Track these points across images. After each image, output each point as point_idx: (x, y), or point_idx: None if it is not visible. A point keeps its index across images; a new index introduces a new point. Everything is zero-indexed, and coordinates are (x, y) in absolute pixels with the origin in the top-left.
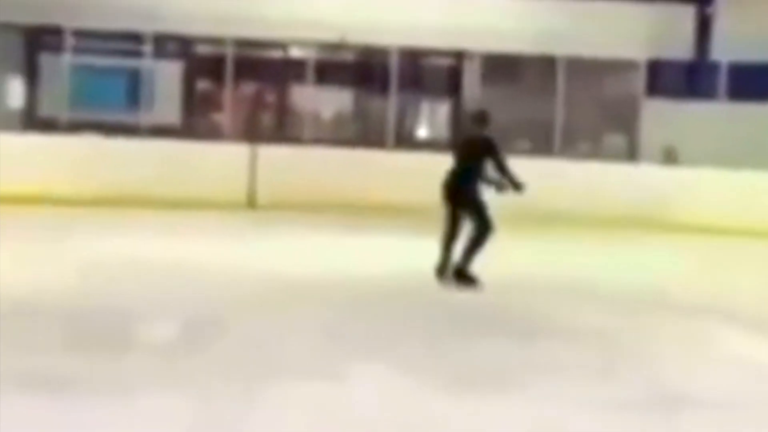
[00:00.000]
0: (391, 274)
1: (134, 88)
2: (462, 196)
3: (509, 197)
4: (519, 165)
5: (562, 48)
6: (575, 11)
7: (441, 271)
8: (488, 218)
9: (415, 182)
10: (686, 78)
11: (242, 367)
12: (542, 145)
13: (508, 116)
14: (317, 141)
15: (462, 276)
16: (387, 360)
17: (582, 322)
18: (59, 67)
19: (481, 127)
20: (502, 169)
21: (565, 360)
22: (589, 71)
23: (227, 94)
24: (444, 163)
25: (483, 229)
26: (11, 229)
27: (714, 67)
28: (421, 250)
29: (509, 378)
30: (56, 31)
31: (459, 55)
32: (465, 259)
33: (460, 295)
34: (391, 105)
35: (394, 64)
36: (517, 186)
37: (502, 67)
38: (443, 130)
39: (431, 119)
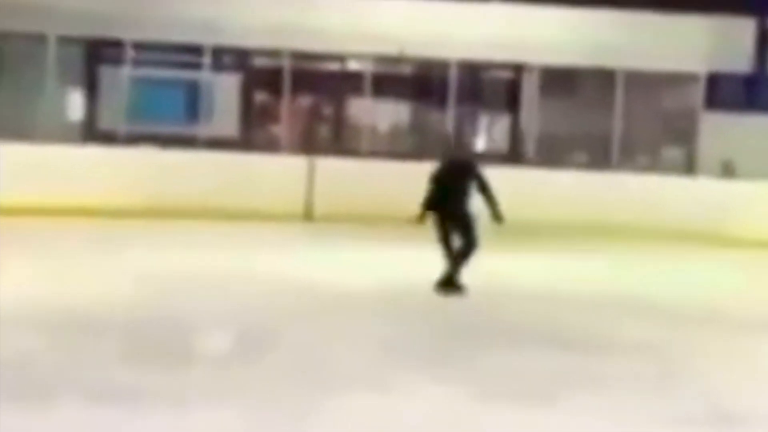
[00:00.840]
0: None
1: (193, 101)
2: (456, 214)
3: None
4: (576, 178)
5: (620, 61)
6: (634, 24)
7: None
8: (475, 237)
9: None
10: (745, 91)
11: (295, 379)
12: (600, 158)
13: (566, 129)
14: (374, 154)
15: (450, 284)
16: (436, 371)
17: (634, 336)
18: (119, 80)
19: (459, 150)
20: (485, 190)
21: (617, 373)
22: (647, 84)
23: (285, 107)
24: (502, 176)
25: (469, 247)
26: (70, 241)
27: None
28: (474, 263)
29: (560, 390)
30: (116, 44)
31: (518, 68)
32: (453, 269)
33: (513, 307)
34: (448, 118)
35: (452, 77)
36: (498, 217)
37: (561, 80)
38: (501, 143)
39: (489, 132)
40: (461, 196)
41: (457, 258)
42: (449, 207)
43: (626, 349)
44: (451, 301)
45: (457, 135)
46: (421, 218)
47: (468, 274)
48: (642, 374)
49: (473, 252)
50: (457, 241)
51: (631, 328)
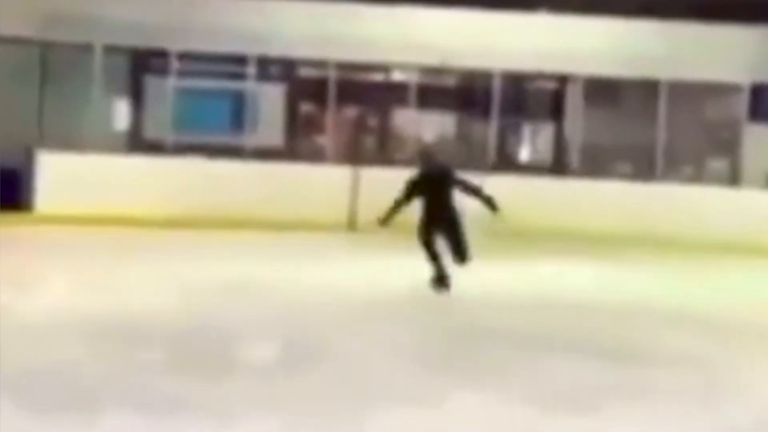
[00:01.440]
0: (491, 296)
1: (238, 111)
2: (444, 219)
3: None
4: (620, 189)
5: (664, 71)
6: (678, 34)
7: (446, 282)
8: (465, 238)
9: (516, 205)
10: None
11: (339, 390)
12: (644, 169)
13: (610, 139)
14: (419, 164)
15: (441, 281)
16: (478, 381)
17: (678, 347)
18: (164, 90)
19: (433, 160)
20: (473, 190)
21: (661, 384)
22: (691, 95)
23: (330, 117)
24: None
25: (461, 247)
26: (115, 250)
27: None
28: (517, 272)
29: (604, 400)
30: (162, 54)
31: (562, 79)
32: (439, 267)
33: (555, 318)
34: (492, 128)
35: (496, 87)
36: (495, 209)
37: (605, 91)
38: (545, 154)
39: (533, 143)
40: (447, 201)
41: (454, 258)
42: (437, 213)
43: (670, 360)
44: (494, 311)
45: (500, 146)
46: (386, 221)
47: (511, 282)
48: (686, 385)
49: (467, 251)
50: (442, 244)
51: (674, 339)
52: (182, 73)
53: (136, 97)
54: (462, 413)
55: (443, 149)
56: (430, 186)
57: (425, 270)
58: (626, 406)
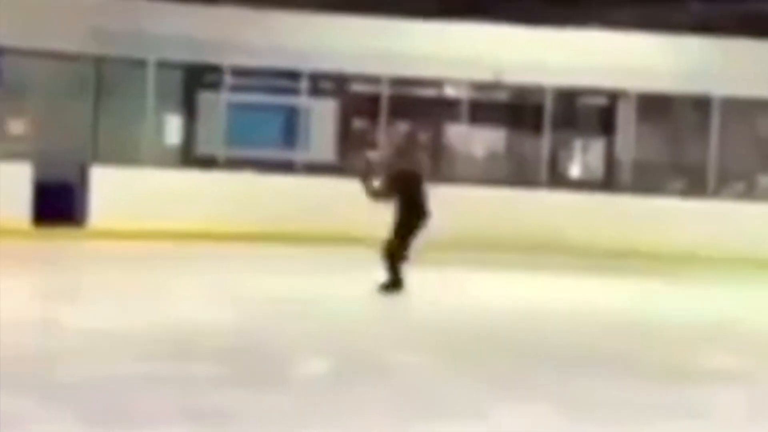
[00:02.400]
0: (536, 312)
1: (290, 126)
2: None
3: None
4: (671, 205)
5: (716, 87)
6: (730, 50)
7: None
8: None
9: (568, 221)
10: None
11: (388, 404)
12: (696, 186)
13: (662, 156)
14: (470, 180)
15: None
16: (532, 398)
17: (725, 364)
18: (217, 105)
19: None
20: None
21: (708, 402)
22: (743, 111)
23: (381, 132)
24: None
25: None
26: (167, 264)
27: None
28: (565, 288)
29: (656, 419)
30: (215, 69)
31: (613, 95)
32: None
33: (597, 335)
34: (544, 144)
35: (548, 103)
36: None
37: (657, 107)
38: (596, 170)
39: (584, 159)
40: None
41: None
42: (425, 208)
43: (717, 377)
44: (540, 326)
45: (551, 161)
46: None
47: (557, 297)
48: (730, 402)
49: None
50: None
51: (722, 356)
52: (235, 89)
53: (189, 112)
54: (508, 427)
55: (494, 165)
56: (414, 183)
57: (474, 284)
58: (671, 424)
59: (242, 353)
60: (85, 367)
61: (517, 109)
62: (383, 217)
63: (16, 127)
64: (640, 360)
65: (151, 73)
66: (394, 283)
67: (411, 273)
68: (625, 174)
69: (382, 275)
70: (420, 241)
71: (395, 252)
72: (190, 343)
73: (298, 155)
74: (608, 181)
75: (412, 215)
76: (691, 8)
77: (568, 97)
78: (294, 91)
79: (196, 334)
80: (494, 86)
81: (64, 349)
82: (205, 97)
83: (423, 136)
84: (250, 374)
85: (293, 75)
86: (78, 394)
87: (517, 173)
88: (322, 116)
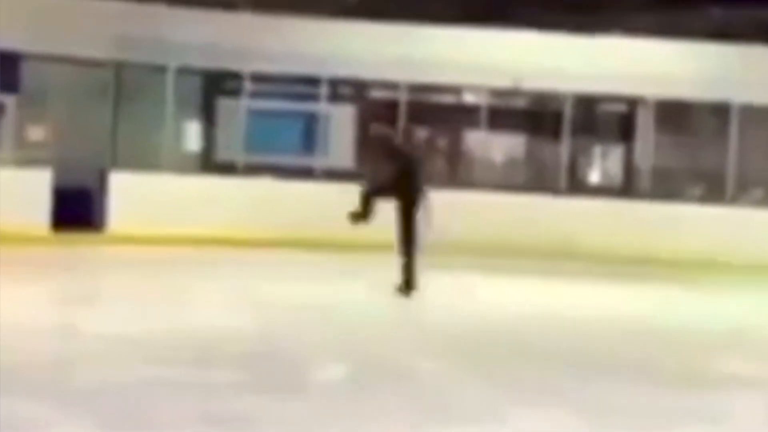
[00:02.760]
0: (556, 317)
1: (309, 132)
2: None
3: None
4: (690, 212)
5: (735, 94)
6: (749, 57)
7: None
8: None
9: (587, 227)
10: None
11: (412, 411)
12: (715, 192)
13: (681, 163)
14: (489, 186)
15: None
16: (550, 403)
17: (746, 371)
18: (236, 111)
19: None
20: None
21: (727, 407)
22: (762, 117)
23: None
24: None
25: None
26: (187, 270)
27: None
28: (586, 295)
29: (674, 425)
30: (234, 76)
31: (632, 102)
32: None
33: (616, 340)
34: (563, 150)
35: (567, 109)
36: None
37: (676, 114)
38: (615, 177)
39: (603, 165)
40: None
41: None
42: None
43: (736, 383)
44: (558, 332)
45: (570, 168)
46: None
47: (576, 303)
48: (747, 409)
49: None
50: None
51: (740, 362)
52: (254, 95)
53: (209, 118)
54: None
55: (513, 171)
56: (416, 165)
57: (493, 290)
58: (689, 429)
59: (262, 359)
60: (104, 372)
61: (536, 116)
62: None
63: (36, 133)
64: (658, 366)
65: (170, 79)
66: (407, 283)
67: (430, 278)
68: (644, 180)
69: (399, 278)
70: (440, 246)
71: (407, 250)
72: (210, 349)
73: (317, 161)
74: (627, 188)
75: (408, 202)
76: (710, 15)
77: (587, 104)
78: (313, 98)
79: (215, 339)
80: (513, 93)
81: (83, 355)
82: (224, 104)
83: (440, 141)
84: (270, 380)
85: (312, 81)
86: (97, 399)
87: (536, 179)
88: (341, 122)
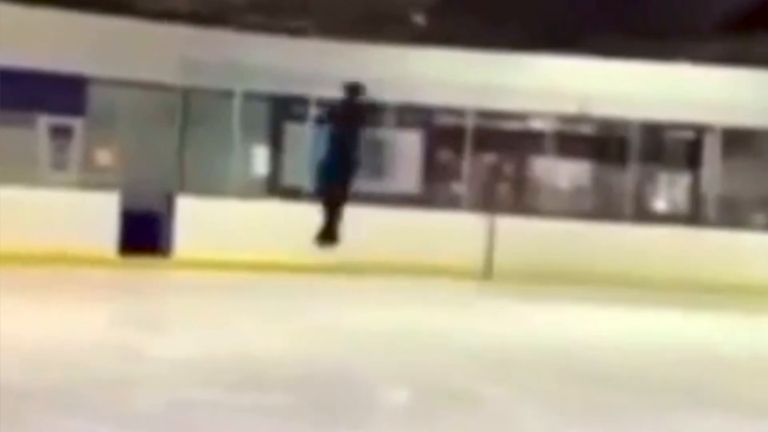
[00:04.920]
0: (621, 344)
1: (375, 157)
2: None
3: None
4: (757, 240)
5: None
6: None
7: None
8: None
9: (653, 255)
10: None
11: None
12: None
13: (748, 190)
14: (555, 213)
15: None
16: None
17: None
18: (303, 136)
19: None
20: None
21: None
22: None
23: (466, 165)
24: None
25: None
26: (252, 295)
27: None
28: (651, 322)
29: None
30: (301, 101)
31: (699, 129)
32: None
33: (686, 368)
34: (629, 178)
35: (633, 136)
36: None
37: (743, 141)
38: (682, 204)
39: (670, 193)
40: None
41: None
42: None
43: None
44: (626, 360)
45: (637, 195)
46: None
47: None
48: None
49: None
50: None
51: None
52: (321, 120)
53: (276, 143)
54: None
55: (579, 198)
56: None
57: (559, 318)
58: None
59: (321, 385)
60: (164, 395)
61: (602, 143)
62: (467, 248)
63: (103, 156)
64: (730, 394)
65: (237, 104)
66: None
67: (497, 305)
68: (711, 208)
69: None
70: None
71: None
72: (271, 374)
73: (383, 186)
74: (693, 216)
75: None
76: None
77: (653, 131)
78: (379, 123)
79: (275, 364)
80: (579, 119)
81: (144, 377)
82: (291, 128)
83: (506, 168)
84: (329, 406)
85: (378, 107)
86: (154, 421)
87: (602, 207)
88: (407, 148)
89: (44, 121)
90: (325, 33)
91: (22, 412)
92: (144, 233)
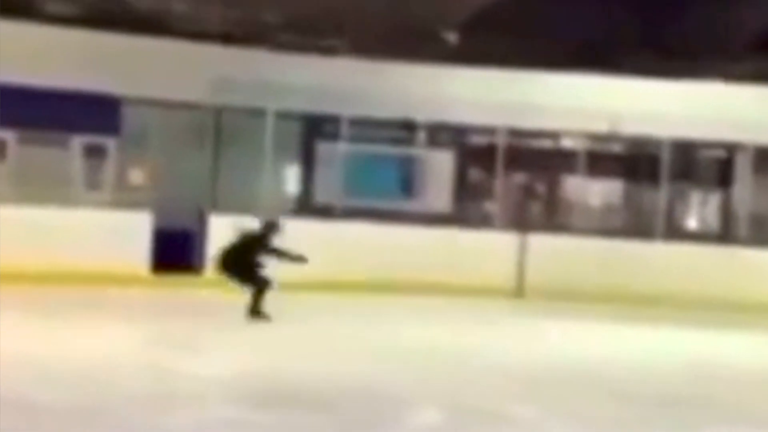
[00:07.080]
0: (651, 363)
1: (407, 176)
2: None
3: None
4: None
5: None
6: None
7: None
8: None
9: (684, 273)
10: None
11: None
12: None
13: None
14: (586, 231)
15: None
16: None
17: None
18: (335, 155)
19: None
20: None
21: None
22: None
23: (498, 183)
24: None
25: None
26: (285, 313)
27: None
28: (681, 341)
29: None
30: (333, 120)
31: (731, 148)
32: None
33: (717, 386)
34: (661, 196)
35: (665, 155)
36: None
37: None
38: (713, 222)
39: (701, 211)
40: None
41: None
42: None
43: None
44: (657, 378)
45: (668, 213)
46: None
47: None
48: None
49: None
50: None
51: None
52: (353, 139)
53: (307, 161)
54: None
55: (611, 216)
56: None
57: (588, 335)
58: None
59: (353, 403)
60: (196, 413)
61: (633, 161)
62: (499, 267)
63: (136, 175)
64: (759, 411)
65: (270, 123)
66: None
67: (529, 323)
68: (742, 226)
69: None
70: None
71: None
72: (301, 392)
73: (415, 205)
74: (725, 234)
75: None
76: None
77: (685, 149)
78: (411, 142)
79: (307, 382)
80: (611, 137)
81: (176, 395)
82: (323, 147)
83: (537, 186)
84: (360, 424)
85: (410, 126)
86: None
87: (633, 225)
88: (439, 167)
89: (78, 141)
90: (357, 52)
91: (61, 431)
92: (177, 251)
